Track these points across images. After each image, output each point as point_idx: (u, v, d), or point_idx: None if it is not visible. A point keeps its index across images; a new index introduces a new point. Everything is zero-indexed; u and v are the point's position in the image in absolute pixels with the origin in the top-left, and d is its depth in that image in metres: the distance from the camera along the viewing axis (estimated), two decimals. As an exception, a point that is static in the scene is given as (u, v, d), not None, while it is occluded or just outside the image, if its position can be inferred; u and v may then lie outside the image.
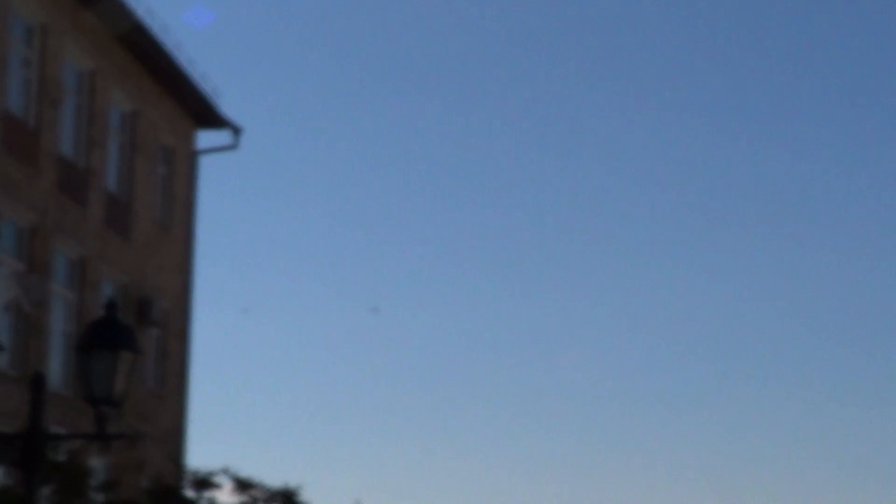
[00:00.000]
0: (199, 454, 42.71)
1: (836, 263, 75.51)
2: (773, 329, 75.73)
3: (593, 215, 76.61)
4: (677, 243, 76.48)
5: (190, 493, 23.64)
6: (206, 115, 31.36)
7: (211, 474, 23.59)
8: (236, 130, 31.77)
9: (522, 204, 76.38)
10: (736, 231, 76.80)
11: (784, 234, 76.29)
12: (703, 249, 76.51)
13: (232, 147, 32.02)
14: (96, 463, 23.96)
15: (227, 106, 31.82)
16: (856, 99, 78.20)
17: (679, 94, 78.33)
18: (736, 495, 71.83)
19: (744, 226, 76.84)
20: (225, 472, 23.76)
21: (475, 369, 73.97)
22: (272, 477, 24.74)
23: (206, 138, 32.25)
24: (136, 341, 12.71)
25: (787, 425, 72.74)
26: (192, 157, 31.84)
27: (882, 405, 72.99)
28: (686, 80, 79.20)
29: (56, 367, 24.83)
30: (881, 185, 76.30)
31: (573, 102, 76.67)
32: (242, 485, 23.95)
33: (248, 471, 24.23)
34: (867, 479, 69.65)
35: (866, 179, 76.52)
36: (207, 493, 23.57)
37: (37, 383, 12.54)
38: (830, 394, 74.03)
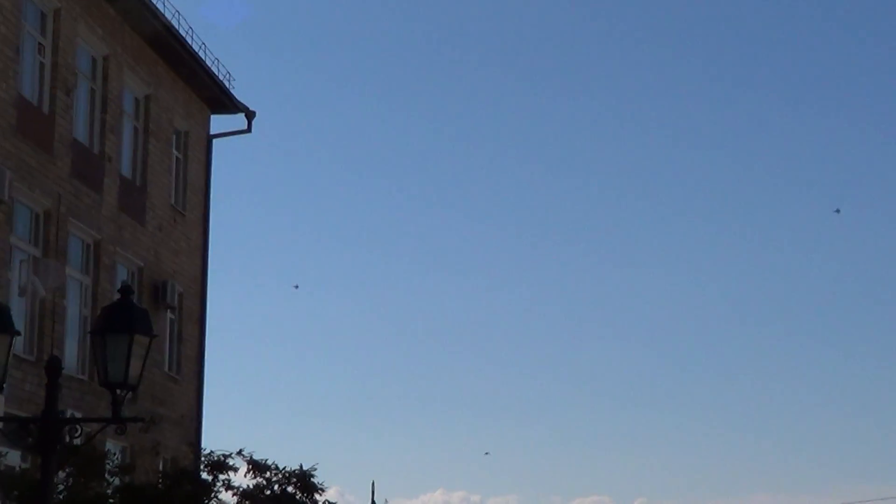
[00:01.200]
0: (215, 437, 43.05)
1: (836, 263, 75.55)
2: (773, 328, 75.80)
3: (594, 214, 76.60)
4: (675, 243, 76.48)
5: (206, 475, 23.82)
6: (220, 99, 31.51)
7: (226, 456, 23.74)
8: (249, 114, 31.95)
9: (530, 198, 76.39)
10: (735, 231, 76.76)
11: (784, 232, 76.29)
12: (702, 249, 76.50)
13: (245, 131, 32.21)
14: (112, 446, 24.09)
15: (240, 90, 32.05)
16: (852, 97, 78.09)
17: (671, 93, 78.15)
18: (735, 491, 71.91)
19: (743, 226, 76.81)
20: (240, 454, 23.94)
21: (488, 355, 74.12)
22: (287, 458, 24.93)
23: (219, 122, 32.49)
24: (151, 325, 12.86)
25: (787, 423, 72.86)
26: (205, 141, 31.99)
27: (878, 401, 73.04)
28: (676, 79, 79.00)
29: (72, 352, 25.04)
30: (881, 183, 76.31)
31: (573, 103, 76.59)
32: (258, 466, 24.11)
33: (263, 453, 24.46)
34: (864, 474, 69.73)
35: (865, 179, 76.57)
36: (223, 476, 23.73)
37: (52, 368, 12.69)
38: (829, 392, 74.06)
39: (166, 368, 29.30)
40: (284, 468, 24.29)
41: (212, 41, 30.80)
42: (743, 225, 76.89)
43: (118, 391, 12.50)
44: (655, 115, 78.35)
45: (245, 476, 24.06)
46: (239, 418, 63.31)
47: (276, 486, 24.15)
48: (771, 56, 79.27)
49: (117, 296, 12.70)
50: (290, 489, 24.23)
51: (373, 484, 49.19)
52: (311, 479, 24.31)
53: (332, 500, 24.70)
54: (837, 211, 59.55)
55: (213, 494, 23.75)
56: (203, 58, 29.90)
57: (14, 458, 21.41)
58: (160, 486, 23.58)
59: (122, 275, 27.09)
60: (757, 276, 76.49)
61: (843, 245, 74.61)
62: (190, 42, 29.06)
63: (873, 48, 79.65)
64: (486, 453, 71.90)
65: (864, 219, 74.82)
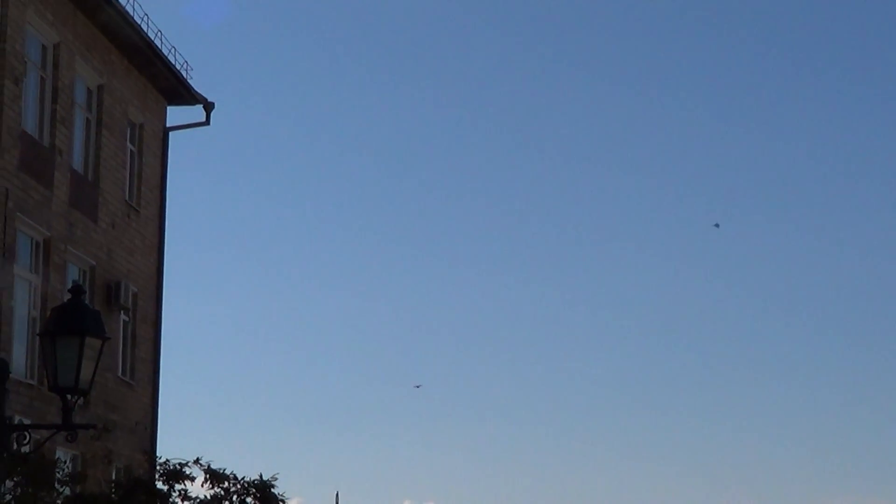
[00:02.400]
0: (171, 445, 42.87)
1: (835, 260, 75.93)
2: (773, 325, 76.10)
3: (593, 209, 76.76)
4: (675, 238, 76.71)
5: (161, 485, 23.72)
6: (177, 89, 31.39)
7: (183, 465, 23.66)
8: (208, 106, 31.83)
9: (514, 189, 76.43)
10: (734, 228, 77.08)
11: (782, 229, 76.65)
12: (701, 245, 76.76)
13: (204, 123, 32.10)
14: (63, 454, 23.97)
15: (198, 80, 31.91)
16: (852, 99, 78.57)
17: (674, 90, 78.41)
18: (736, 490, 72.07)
19: (744, 225, 77.12)
20: (198, 463, 23.86)
21: (447, 358, 74.09)
22: (247, 468, 24.91)
23: (176, 114, 32.35)
24: (103, 327, 12.78)
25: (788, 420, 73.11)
26: (161, 134, 31.86)
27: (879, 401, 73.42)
28: (675, 76, 79.26)
29: (19, 355, 24.86)
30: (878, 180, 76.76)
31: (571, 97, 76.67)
32: (216, 476, 24.03)
33: (221, 462, 24.35)
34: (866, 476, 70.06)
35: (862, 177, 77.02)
36: (179, 486, 23.65)
37: None
38: (829, 390, 74.41)
39: (119, 373, 29.16)
40: (244, 478, 24.25)
41: (169, 29, 30.68)
42: (749, 222, 77.03)
43: (69, 396, 12.42)
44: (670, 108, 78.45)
45: (202, 486, 24.01)
46: (196, 425, 63.15)
47: (234, 497, 24.11)
48: (656, 68, 79.94)
49: (68, 296, 12.63)
50: (249, 500, 24.19)
51: (337, 495, 49.15)
52: (272, 490, 24.27)
53: (293, 511, 24.65)
54: (716, 225, 60.51)
55: (168, 505, 23.66)
56: (159, 46, 29.78)
57: (-42, 466, 21.22)
58: (113, 496, 23.48)
59: (73, 274, 26.94)
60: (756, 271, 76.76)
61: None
62: (145, 30, 28.93)
63: (747, 58, 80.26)
64: (418, 386, 69.57)
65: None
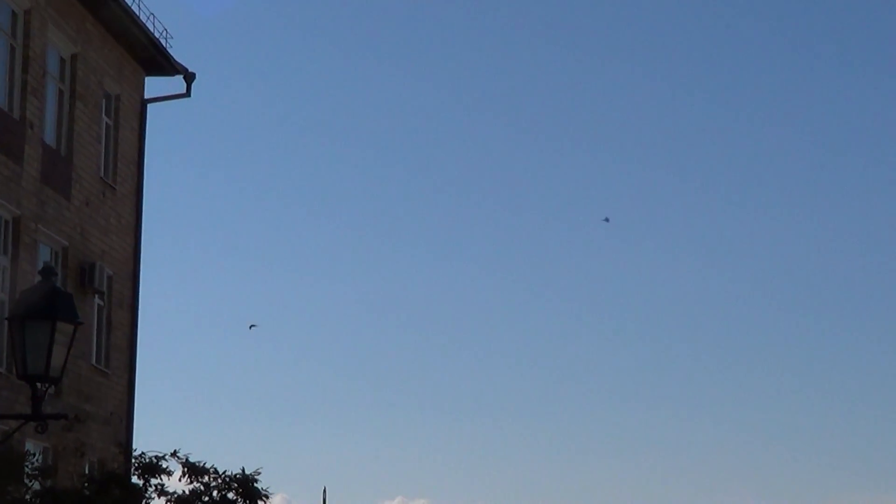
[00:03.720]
0: (147, 437, 42.72)
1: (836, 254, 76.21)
2: (769, 319, 76.35)
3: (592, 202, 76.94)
4: (672, 231, 76.89)
5: (137, 479, 23.70)
6: (155, 59, 31.26)
7: (160, 458, 23.67)
8: (189, 76, 31.70)
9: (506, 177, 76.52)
10: (735, 220, 77.29)
11: (782, 225, 76.89)
12: (701, 238, 76.96)
13: (184, 95, 31.98)
14: (32, 447, 23.92)
15: (178, 49, 31.74)
16: (853, 95, 78.87)
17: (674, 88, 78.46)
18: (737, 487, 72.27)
19: (745, 216, 77.35)
20: (175, 455, 23.85)
21: (438, 352, 74.14)
22: (228, 462, 24.86)
23: (154, 85, 32.20)
24: (76, 311, 12.69)
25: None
26: (139, 106, 31.73)
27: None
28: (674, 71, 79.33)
29: (-13, 340, 24.76)
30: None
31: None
32: (194, 470, 24.02)
33: (200, 455, 24.32)
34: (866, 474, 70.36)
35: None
36: (156, 480, 23.65)
37: (-35, 358, 12.46)
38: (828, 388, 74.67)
39: (93, 360, 29.05)
40: (224, 472, 24.28)
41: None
42: (752, 217, 77.37)
43: (38, 385, 12.36)
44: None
45: (180, 480, 24.04)
46: (174, 417, 63.08)
47: (214, 492, 24.14)
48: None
49: (38, 278, 12.48)
50: (230, 495, 24.23)
51: (324, 491, 49.16)
52: (254, 485, 24.30)
53: (277, 508, 24.60)
54: (606, 220, 61.09)
55: (144, 501, 23.64)
56: (137, 13, 29.63)
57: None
58: (86, 490, 23.46)
59: (44, 255, 26.82)
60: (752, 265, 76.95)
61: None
62: (122, -5, 28.76)
63: (747, 56, 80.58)
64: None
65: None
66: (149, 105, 32.04)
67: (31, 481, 21.98)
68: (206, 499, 24.13)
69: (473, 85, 78.71)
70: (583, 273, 76.39)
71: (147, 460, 23.65)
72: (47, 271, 12.67)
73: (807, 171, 79.75)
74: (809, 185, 79.05)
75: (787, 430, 74.05)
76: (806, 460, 73.06)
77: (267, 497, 24.54)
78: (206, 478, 24.21)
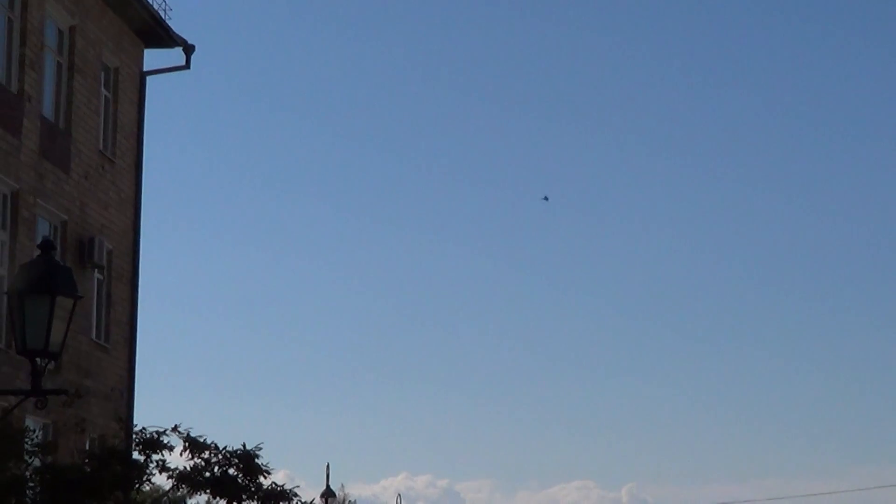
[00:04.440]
0: (148, 412, 42.97)
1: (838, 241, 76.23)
2: (774, 305, 76.39)
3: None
4: (670, 222, 76.88)
5: (137, 455, 23.78)
6: (155, 31, 31.27)
7: (161, 434, 23.71)
8: (188, 49, 31.72)
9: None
10: (735, 210, 77.28)
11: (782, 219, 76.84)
12: (700, 228, 76.94)
13: (183, 67, 32.00)
14: (32, 423, 24.00)
15: (177, 21, 31.81)
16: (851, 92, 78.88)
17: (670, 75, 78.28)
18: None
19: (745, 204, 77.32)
20: (176, 431, 23.90)
21: (457, 327, 74.17)
22: (229, 437, 24.95)
23: (154, 57, 32.24)
24: (75, 286, 12.78)
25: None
26: (138, 79, 31.77)
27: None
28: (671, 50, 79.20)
29: (-14, 315, 24.88)
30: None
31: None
32: (196, 445, 24.08)
33: (201, 430, 24.41)
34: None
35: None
36: (157, 456, 23.70)
37: (-35, 333, 12.62)
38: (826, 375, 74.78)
39: (93, 335, 29.17)
40: (225, 448, 24.31)
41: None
42: (741, 205, 77.35)
43: (38, 360, 12.43)
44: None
45: (181, 456, 24.07)
46: (175, 392, 63.29)
47: (216, 468, 24.19)
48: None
49: (38, 253, 12.61)
50: (231, 471, 24.27)
51: (328, 467, 49.41)
52: (256, 461, 24.33)
53: (279, 483, 24.73)
54: (545, 198, 61.41)
55: (145, 476, 23.74)
56: (136, -15, 29.66)
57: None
58: (86, 467, 23.52)
59: (43, 229, 26.91)
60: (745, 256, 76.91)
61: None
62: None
63: (751, 53, 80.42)
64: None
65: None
66: (148, 77, 32.07)
67: (30, 457, 22.04)
68: (208, 474, 24.17)
69: (482, 69, 78.41)
70: (578, 264, 76.38)
71: (148, 436, 23.65)
72: (46, 245, 12.73)
73: (789, 152, 79.64)
74: (794, 166, 78.96)
75: (775, 406, 74.22)
76: (810, 442, 73.23)
77: (269, 473, 24.57)
78: (208, 453, 24.23)
